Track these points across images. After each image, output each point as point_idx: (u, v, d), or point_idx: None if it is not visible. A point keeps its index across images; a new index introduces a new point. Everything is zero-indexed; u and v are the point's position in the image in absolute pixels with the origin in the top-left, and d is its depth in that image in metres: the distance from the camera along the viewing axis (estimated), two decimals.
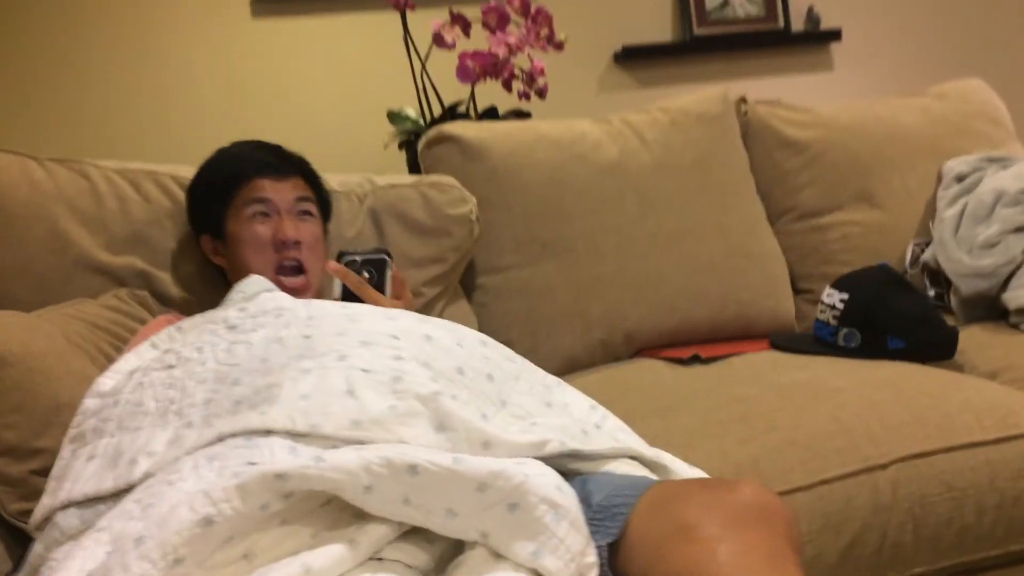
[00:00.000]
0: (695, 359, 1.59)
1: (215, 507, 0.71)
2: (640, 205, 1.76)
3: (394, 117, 2.32)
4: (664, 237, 1.75)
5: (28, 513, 1.03)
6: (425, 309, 1.64)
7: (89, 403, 1.00)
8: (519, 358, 1.09)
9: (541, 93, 2.20)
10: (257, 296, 1.15)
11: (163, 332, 1.11)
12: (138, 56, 2.41)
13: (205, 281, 1.55)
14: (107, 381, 1.03)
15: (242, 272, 1.37)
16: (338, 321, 1.01)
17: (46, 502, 0.91)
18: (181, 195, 1.57)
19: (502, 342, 1.69)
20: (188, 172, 1.59)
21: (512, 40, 2.11)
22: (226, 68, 2.46)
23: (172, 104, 2.44)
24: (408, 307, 1.23)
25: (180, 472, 0.81)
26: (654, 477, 0.95)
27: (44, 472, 1.06)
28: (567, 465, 0.95)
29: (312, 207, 1.44)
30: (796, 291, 1.88)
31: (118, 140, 2.40)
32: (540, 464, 0.87)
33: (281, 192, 1.40)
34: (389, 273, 1.19)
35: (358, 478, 0.73)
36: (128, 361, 1.06)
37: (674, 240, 1.75)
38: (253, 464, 0.79)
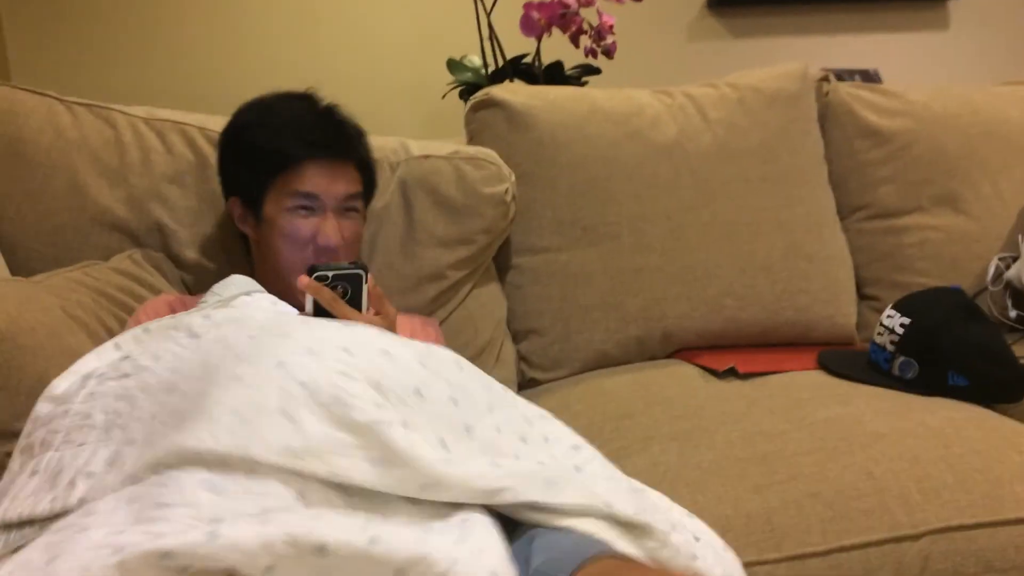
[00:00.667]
0: (732, 372, 1.46)
1: None
2: (694, 192, 1.62)
3: (454, 66, 2.20)
4: (717, 230, 1.61)
5: None
6: (451, 291, 1.56)
7: (41, 408, 0.95)
8: (499, 387, 0.99)
9: (608, 52, 2.05)
10: (235, 300, 1.08)
11: (128, 334, 1.04)
12: None
13: (224, 243, 1.50)
14: (61, 383, 0.97)
15: (269, 255, 1.30)
16: (289, 323, 0.93)
17: None
18: (207, 149, 1.51)
19: (532, 329, 1.62)
20: (216, 124, 1.52)
21: None
22: (296, 6, 2.38)
23: (241, 36, 2.38)
24: (390, 322, 1.14)
25: (95, 515, 0.75)
26: (618, 544, 0.84)
27: None
28: (527, 515, 0.85)
29: (360, 203, 1.34)
30: (861, 296, 1.72)
31: (187, 65, 2.37)
32: (485, 529, 0.78)
33: (332, 187, 1.28)
34: (365, 288, 1.10)
35: (257, 558, 0.66)
36: (87, 362, 1.01)
37: (728, 234, 1.61)
38: (164, 505, 0.73)
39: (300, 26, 2.39)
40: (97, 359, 1.01)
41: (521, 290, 1.62)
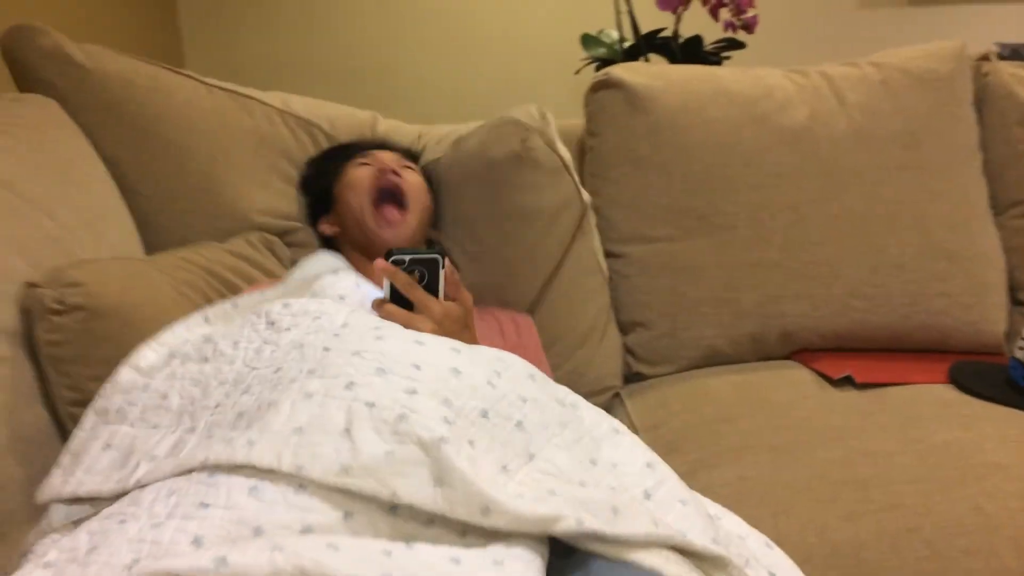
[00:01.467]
0: (849, 380, 1.36)
1: None
2: (822, 182, 1.50)
3: (588, 41, 2.15)
4: (846, 223, 1.49)
5: None
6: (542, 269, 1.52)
7: (124, 376, 0.98)
8: (573, 400, 0.96)
9: (748, 27, 1.94)
10: (317, 280, 1.10)
11: (219, 307, 1.08)
12: None
13: None
14: (149, 354, 1.01)
15: (349, 221, 1.38)
16: (363, 338, 0.92)
17: (55, 484, 0.91)
18: (327, 144, 1.59)
19: (638, 322, 1.56)
20: (336, 127, 1.61)
21: None
22: None
23: (387, 12, 2.44)
24: (465, 308, 1.12)
25: (138, 506, 0.78)
26: None
27: None
28: (589, 544, 0.81)
29: (415, 165, 1.49)
30: (1015, 303, 1.55)
31: (342, 40, 2.46)
32: (522, 563, 0.75)
33: (384, 155, 1.44)
34: (442, 273, 1.08)
35: None
36: (176, 333, 1.04)
37: (858, 228, 1.48)
38: (206, 505, 0.75)
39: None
40: (187, 331, 1.05)
41: (629, 280, 1.56)
